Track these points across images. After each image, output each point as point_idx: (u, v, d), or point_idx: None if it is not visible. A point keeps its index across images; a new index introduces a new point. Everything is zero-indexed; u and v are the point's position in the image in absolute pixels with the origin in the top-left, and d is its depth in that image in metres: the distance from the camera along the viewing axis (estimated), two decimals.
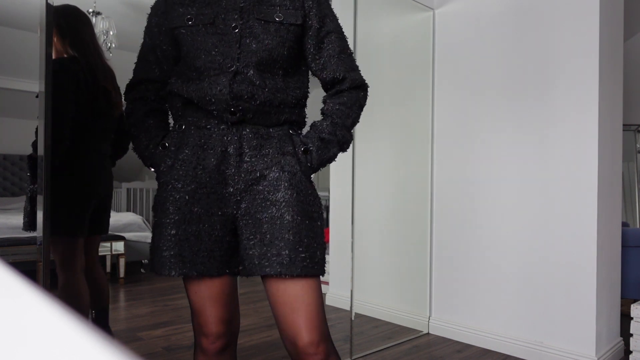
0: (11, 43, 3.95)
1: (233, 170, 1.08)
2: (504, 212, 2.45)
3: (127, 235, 4.06)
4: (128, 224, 4.19)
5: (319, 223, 1.12)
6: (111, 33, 3.40)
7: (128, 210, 5.03)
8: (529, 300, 2.35)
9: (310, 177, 1.16)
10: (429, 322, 2.76)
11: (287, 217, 1.05)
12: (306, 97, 1.20)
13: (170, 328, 2.74)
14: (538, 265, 2.32)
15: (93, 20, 3.40)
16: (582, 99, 2.19)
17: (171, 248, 1.06)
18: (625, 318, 2.51)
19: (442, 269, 2.72)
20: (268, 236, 1.06)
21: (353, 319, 2.38)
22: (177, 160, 1.10)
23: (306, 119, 1.22)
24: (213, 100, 1.06)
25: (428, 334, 2.74)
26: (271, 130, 1.12)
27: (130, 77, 1.24)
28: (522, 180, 2.39)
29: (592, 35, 2.16)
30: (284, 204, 1.06)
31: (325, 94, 1.22)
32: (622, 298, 2.56)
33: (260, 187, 1.08)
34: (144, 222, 4.34)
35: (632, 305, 2.23)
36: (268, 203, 1.07)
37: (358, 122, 1.21)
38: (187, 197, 1.07)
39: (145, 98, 1.20)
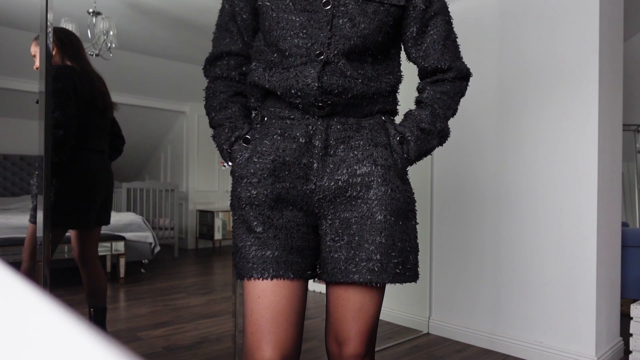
0: (11, 43, 3.95)
1: (316, 165, 0.96)
2: (503, 212, 2.45)
3: (127, 235, 4.06)
4: (128, 224, 4.19)
5: (413, 223, 1.01)
6: (111, 33, 3.39)
7: (128, 210, 5.03)
8: (529, 300, 2.35)
9: (407, 170, 1.03)
10: (429, 322, 2.76)
11: (379, 217, 0.94)
12: (400, 82, 1.06)
13: (170, 328, 2.74)
14: (538, 264, 2.32)
15: (93, 20, 3.40)
16: (582, 99, 2.19)
17: (257, 250, 0.94)
18: (625, 318, 2.51)
19: (442, 269, 2.72)
20: (357, 238, 0.94)
21: None
22: (255, 153, 0.97)
23: (398, 106, 1.09)
24: (299, 94, 0.94)
25: (428, 334, 2.74)
26: (362, 120, 0.99)
27: (209, 52, 1.11)
28: (522, 180, 2.39)
29: (592, 35, 2.16)
30: (375, 202, 0.95)
31: (419, 80, 1.11)
32: (622, 298, 2.56)
33: (349, 183, 0.96)
34: (144, 222, 4.34)
35: (632, 305, 2.23)
36: (359, 201, 0.95)
37: (456, 114, 1.09)
38: (265, 192, 0.95)
39: (229, 77, 1.08)
